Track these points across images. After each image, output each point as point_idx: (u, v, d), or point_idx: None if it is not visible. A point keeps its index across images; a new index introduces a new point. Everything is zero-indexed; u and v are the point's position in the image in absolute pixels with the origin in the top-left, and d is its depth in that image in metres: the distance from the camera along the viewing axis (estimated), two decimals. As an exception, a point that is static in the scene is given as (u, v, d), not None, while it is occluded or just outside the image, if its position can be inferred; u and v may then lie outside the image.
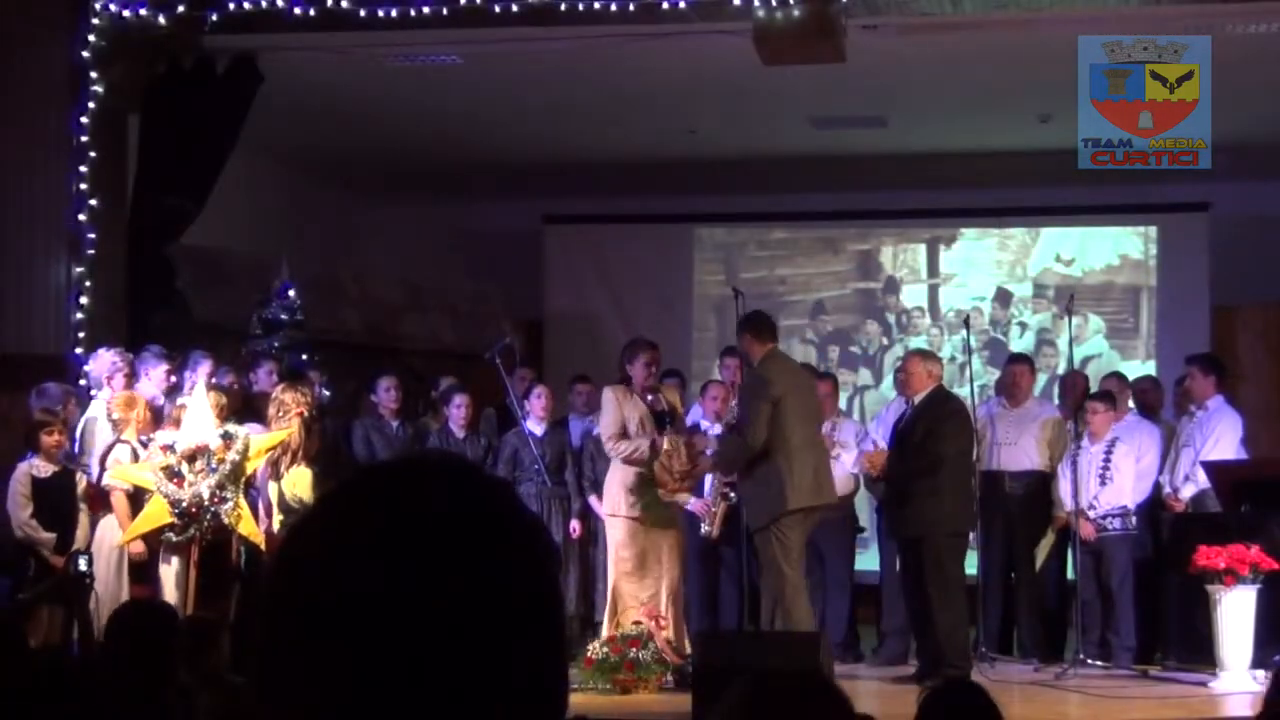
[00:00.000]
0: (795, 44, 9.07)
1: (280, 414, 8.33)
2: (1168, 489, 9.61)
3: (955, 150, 12.54)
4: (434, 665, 1.06)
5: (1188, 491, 9.48)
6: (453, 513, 1.11)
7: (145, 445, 7.93)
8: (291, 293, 10.15)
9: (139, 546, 7.84)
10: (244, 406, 8.68)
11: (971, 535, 9.09)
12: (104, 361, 8.46)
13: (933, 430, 8.68)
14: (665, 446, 8.61)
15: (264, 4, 9.41)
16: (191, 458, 7.69)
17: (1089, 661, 9.07)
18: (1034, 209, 13.31)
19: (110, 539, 7.90)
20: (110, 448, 8.00)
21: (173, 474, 7.65)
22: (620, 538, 8.68)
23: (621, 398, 8.69)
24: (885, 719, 4.90)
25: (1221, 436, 9.51)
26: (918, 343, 12.37)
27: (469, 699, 1.07)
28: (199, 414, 7.85)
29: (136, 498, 7.86)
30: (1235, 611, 8.22)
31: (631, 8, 9.15)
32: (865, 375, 13.50)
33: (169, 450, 7.71)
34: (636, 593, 8.60)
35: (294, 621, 1.09)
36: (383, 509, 1.11)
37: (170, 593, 7.65)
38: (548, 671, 1.12)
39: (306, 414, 8.28)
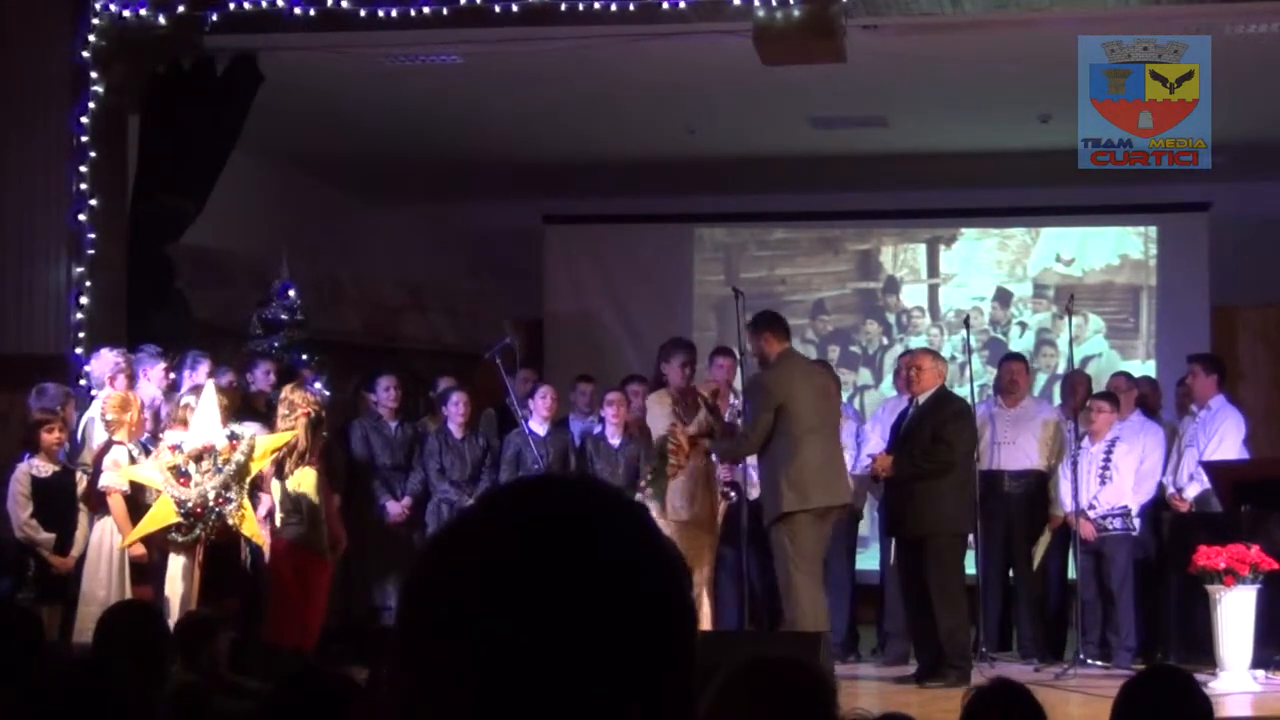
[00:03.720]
0: (795, 44, 9.07)
1: (290, 414, 8.33)
2: (1171, 489, 9.61)
3: (955, 150, 12.53)
4: (574, 672, 1.08)
5: (1192, 491, 9.48)
6: (603, 528, 1.14)
7: (146, 448, 7.92)
8: (291, 293, 10.14)
9: (140, 549, 7.83)
10: (243, 406, 8.68)
11: (971, 535, 9.10)
12: (106, 361, 8.45)
13: (940, 430, 8.71)
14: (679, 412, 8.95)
15: (264, 4, 9.41)
16: (198, 458, 7.69)
17: (1089, 661, 9.08)
18: (1034, 209, 13.30)
19: (110, 540, 7.88)
20: (104, 449, 7.97)
21: (180, 474, 7.65)
22: None
23: (667, 401, 9.05)
24: None
25: (1226, 436, 9.52)
26: (918, 342, 12.36)
27: (608, 708, 1.09)
28: (207, 414, 7.84)
29: (136, 499, 7.84)
30: (1235, 611, 8.22)
31: (631, 8, 9.15)
32: (865, 375, 13.49)
33: (177, 450, 7.70)
34: None
35: (437, 617, 1.11)
36: (534, 519, 1.13)
37: (175, 593, 7.63)
38: (682, 686, 1.14)
39: (313, 414, 8.28)
